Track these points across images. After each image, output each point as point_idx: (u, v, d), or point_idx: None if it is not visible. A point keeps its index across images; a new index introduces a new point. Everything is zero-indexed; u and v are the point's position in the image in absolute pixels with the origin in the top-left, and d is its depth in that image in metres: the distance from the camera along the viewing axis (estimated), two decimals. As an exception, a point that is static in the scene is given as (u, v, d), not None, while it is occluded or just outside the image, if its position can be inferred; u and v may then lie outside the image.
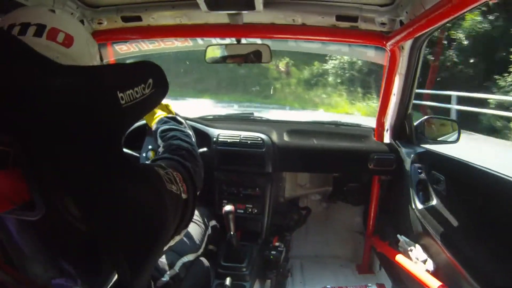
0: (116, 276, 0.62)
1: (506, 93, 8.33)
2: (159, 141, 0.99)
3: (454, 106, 8.00)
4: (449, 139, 1.65)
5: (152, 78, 0.63)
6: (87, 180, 0.53)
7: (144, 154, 1.58)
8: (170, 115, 1.12)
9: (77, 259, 0.58)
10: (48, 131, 0.50)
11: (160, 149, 0.95)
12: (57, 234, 0.56)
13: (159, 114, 1.12)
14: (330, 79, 12.19)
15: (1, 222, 0.55)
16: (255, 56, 1.57)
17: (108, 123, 0.56)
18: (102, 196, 0.55)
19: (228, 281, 1.48)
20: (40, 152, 0.49)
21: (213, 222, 1.60)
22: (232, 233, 1.54)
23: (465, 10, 0.97)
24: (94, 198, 0.54)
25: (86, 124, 0.53)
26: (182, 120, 1.10)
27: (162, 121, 1.08)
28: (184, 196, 0.76)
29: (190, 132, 1.06)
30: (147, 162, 1.55)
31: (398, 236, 1.59)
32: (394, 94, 1.65)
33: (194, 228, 1.44)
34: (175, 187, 0.73)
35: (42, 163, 0.50)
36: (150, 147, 1.58)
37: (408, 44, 1.46)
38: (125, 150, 1.60)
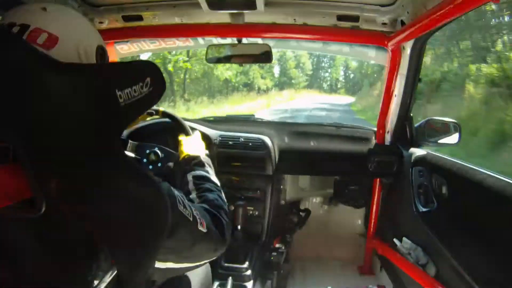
0: (115, 272, 0.62)
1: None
2: (191, 185, 1.01)
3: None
4: (450, 141, 1.64)
5: (150, 77, 0.64)
6: (86, 177, 0.53)
7: (147, 151, 1.58)
8: (206, 159, 1.17)
9: (76, 256, 0.58)
10: (47, 128, 0.50)
11: (193, 196, 0.97)
12: (56, 231, 0.56)
13: (197, 153, 1.17)
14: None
15: (0, 218, 0.54)
16: (256, 56, 1.57)
17: (106, 121, 0.57)
18: (101, 193, 0.55)
19: (229, 281, 1.47)
20: (39, 148, 0.49)
21: None
22: (238, 227, 1.55)
23: (467, 11, 0.96)
24: (93, 195, 0.54)
25: (85, 122, 0.53)
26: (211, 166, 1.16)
27: (199, 163, 1.12)
28: (200, 228, 0.79)
29: (218, 183, 1.08)
30: (144, 160, 1.56)
31: (395, 240, 1.59)
32: (395, 96, 1.64)
33: None
34: (187, 211, 0.75)
35: (41, 160, 0.50)
36: (156, 149, 1.57)
37: (409, 44, 1.45)
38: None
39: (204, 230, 0.79)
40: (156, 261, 0.70)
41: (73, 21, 0.65)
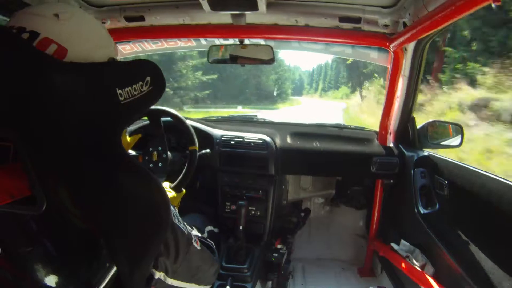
0: (115, 270, 0.63)
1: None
2: None
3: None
4: (452, 143, 1.63)
5: (149, 76, 0.64)
6: (86, 175, 0.54)
7: (150, 149, 1.58)
8: None
9: (76, 255, 0.59)
10: (49, 127, 0.50)
11: None
12: (57, 229, 0.57)
13: None
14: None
15: (1, 217, 0.55)
16: (258, 57, 1.57)
17: (107, 119, 0.57)
18: (102, 191, 0.55)
19: (229, 282, 1.48)
20: (40, 147, 0.50)
21: (208, 228, 1.58)
22: (240, 227, 1.56)
23: (468, 12, 0.96)
24: (94, 193, 0.54)
25: (86, 120, 0.54)
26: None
27: None
28: (195, 244, 0.81)
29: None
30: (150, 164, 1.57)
31: (393, 244, 1.58)
32: (397, 97, 1.64)
33: None
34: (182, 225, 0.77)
35: (42, 158, 0.50)
36: (160, 148, 1.58)
37: (411, 46, 1.45)
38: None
39: (198, 247, 0.82)
40: (154, 270, 0.71)
41: (86, 33, 0.61)
